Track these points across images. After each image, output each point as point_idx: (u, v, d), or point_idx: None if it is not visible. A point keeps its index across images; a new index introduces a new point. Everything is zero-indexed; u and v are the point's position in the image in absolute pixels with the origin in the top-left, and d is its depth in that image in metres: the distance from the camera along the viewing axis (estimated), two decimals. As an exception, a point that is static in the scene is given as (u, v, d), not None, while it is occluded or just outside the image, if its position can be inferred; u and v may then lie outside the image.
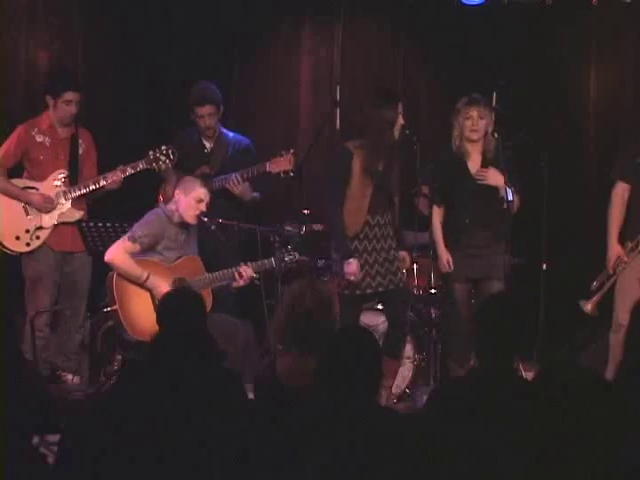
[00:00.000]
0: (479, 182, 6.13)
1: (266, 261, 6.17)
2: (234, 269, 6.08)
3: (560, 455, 2.53)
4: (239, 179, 6.66)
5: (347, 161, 6.01)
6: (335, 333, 3.80)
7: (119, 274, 5.90)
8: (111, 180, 6.44)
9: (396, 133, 6.02)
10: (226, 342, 5.25)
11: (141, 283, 5.90)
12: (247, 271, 6.07)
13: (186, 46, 7.65)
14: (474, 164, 6.20)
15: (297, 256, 6.23)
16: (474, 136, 6.14)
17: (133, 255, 5.93)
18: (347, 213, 6.02)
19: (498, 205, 6.10)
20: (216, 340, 3.75)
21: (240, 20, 7.70)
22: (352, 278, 5.98)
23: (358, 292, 6.10)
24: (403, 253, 6.18)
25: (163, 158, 6.48)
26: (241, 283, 6.09)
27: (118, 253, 5.91)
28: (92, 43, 7.49)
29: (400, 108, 6.02)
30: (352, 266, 5.98)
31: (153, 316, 5.50)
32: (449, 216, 6.22)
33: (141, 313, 5.87)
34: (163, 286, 5.84)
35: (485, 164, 6.17)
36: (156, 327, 5.76)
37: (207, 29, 7.59)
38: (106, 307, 5.98)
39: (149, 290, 5.91)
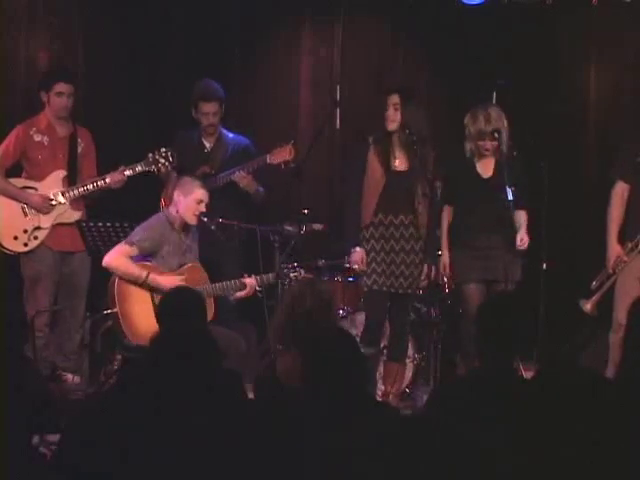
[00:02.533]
0: (489, 183, 6.10)
1: (270, 275, 6.14)
2: (237, 281, 6.06)
3: (561, 455, 2.53)
4: (244, 173, 6.65)
5: (362, 152, 6.08)
6: (315, 335, 3.78)
7: (119, 277, 5.90)
8: (113, 179, 6.44)
9: (390, 126, 6.01)
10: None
11: (142, 282, 5.89)
12: (250, 283, 6.06)
13: (186, 46, 7.65)
14: (485, 167, 6.16)
15: (302, 273, 6.20)
16: (486, 153, 6.13)
17: (132, 259, 5.93)
18: (362, 206, 6.04)
19: (505, 207, 6.03)
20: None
21: (240, 20, 7.69)
22: (355, 267, 6.04)
23: (365, 288, 6.12)
24: (427, 267, 6.08)
25: (162, 161, 6.48)
26: (243, 295, 6.08)
27: (115, 256, 5.90)
28: (92, 43, 7.49)
29: (392, 100, 6.00)
30: (356, 255, 6.04)
31: (153, 321, 5.53)
32: (457, 218, 6.20)
33: (141, 319, 5.87)
34: (165, 281, 5.83)
35: (498, 168, 6.13)
36: (155, 331, 5.75)
37: (207, 29, 7.58)
38: (106, 309, 5.98)
39: (151, 292, 5.91)
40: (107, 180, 6.45)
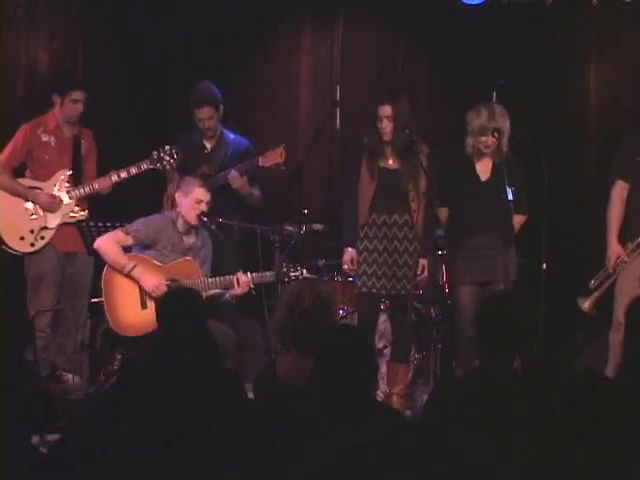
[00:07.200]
0: (488, 186, 6.09)
1: (268, 274, 6.11)
2: (231, 276, 6.05)
3: (561, 454, 2.53)
4: (237, 174, 6.66)
5: (358, 154, 6.11)
6: (325, 333, 3.78)
7: (107, 262, 5.96)
8: (99, 186, 6.45)
9: (385, 137, 6.00)
10: None
11: (126, 273, 5.95)
12: (244, 279, 6.03)
13: (186, 46, 7.65)
14: (483, 169, 6.15)
15: (304, 273, 6.16)
16: (486, 151, 6.12)
17: (124, 247, 6.00)
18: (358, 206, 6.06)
19: (503, 207, 6.03)
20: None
21: (240, 20, 7.70)
22: (345, 267, 6.05)
23: (355, 290, 6.12)
24: (423, 261, 6.08)
25: (167, 158, 6.50)
26: (238, 292, 6.05)
27: (107, 240, 6.03)
28: (92, 43, 7.49)
29: (385, 112, 5.98)
30: (346, 255, 6.07)
31: (138, 314, 5.61)
32: (455, 219, 6.19)
33: (126, 310, 5.92)
34: (148, 278, 5.89)
35: (496, 169, 6.12)
36: (139, 323, 5.85)
37: (207, 29, 7.59)
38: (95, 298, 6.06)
39: (137, 283, 5.95)
40: (95, 186, 6.46)
